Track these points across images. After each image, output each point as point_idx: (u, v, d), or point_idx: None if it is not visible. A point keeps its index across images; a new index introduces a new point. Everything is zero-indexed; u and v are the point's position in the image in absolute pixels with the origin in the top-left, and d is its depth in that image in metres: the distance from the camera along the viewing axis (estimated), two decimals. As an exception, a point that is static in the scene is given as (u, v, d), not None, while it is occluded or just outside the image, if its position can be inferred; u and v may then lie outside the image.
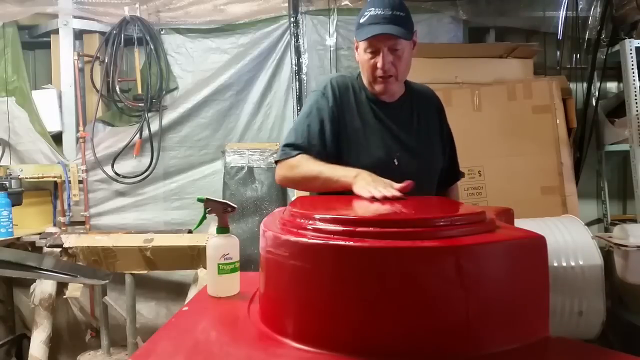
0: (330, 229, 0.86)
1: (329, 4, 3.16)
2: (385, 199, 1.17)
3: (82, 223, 3.12)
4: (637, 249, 2.20)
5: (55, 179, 3.04)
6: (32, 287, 2.53)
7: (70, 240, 2.50)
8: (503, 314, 0.82)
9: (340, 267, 0.82)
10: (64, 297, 2.56)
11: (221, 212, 1.18)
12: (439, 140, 1.62)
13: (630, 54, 2.91)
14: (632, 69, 2.90)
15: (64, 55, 3.11)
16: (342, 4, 3.17)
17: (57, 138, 3.14)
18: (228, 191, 3.06)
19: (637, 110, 2.87)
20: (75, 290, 2.50)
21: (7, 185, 2.74)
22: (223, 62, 3.18)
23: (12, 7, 3.04)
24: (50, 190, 3.16)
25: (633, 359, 0.80)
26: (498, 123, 2.74)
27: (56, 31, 3.12)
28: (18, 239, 2.69)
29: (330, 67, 3.20)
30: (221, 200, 1.19)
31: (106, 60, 3.09)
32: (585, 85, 3.16)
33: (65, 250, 2.47)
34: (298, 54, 3.16)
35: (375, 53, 1.44)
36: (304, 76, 3.18)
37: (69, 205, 3.07)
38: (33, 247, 2.69)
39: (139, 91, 3.11)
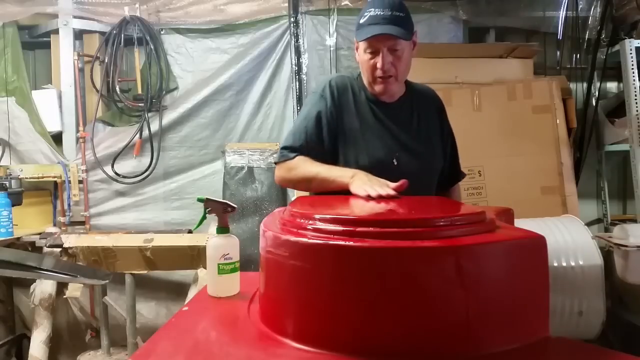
0: (330, 229, 0.86)
1: (329, 4, 3.16)
2: (380, 198, 1.18)
3: (82, 223, 3.12)
4: (637, 249, 2.20)
5: (55, 179, 3.04)
6: (32, 287, 2.53)
7: (70, 240, 2.50)
8: (503, 314, 0.82)
9: (340, 267, 0.82)
10: (64, 297, 2.56)
11: (221, 212, 1.18)
12: (439, 140, 1.62)
13: (630, 54, 2.91)
14: (632, 69, 2.90)
15: (64, 55, 3.11)
16: (342, 4, 3.17)
17: (57, 138, 3.14)
18: (228, 191, 3.06)
19: (637, 110, 2.87)
20: (75, 290, 2.50)
21: (7, 185, 2.74)
22: (223, 62, 3.18)
23: (12, 7, 3.04)
24: (50, 190, 3.16)
25: (633, 359, 0.80)
26: (498, 123, 2.75)
27: (56, 31, 3.12)
28: (18, 239, 2.70)
29: (330, 67, 3.20)
30: (221, 200, 1.19)
31: (106, 60, 3.09)
32: (585, 85, 3.16)
33: (65, 250, 2.47)
34: (298, 54, 3.16)
35: (375, 53, 1.44)
36: (304, 76, 3.18)
37: (69, 205, 3.07)
38: (33, 247, 2.69)
39: (139, 91, 3.12)
